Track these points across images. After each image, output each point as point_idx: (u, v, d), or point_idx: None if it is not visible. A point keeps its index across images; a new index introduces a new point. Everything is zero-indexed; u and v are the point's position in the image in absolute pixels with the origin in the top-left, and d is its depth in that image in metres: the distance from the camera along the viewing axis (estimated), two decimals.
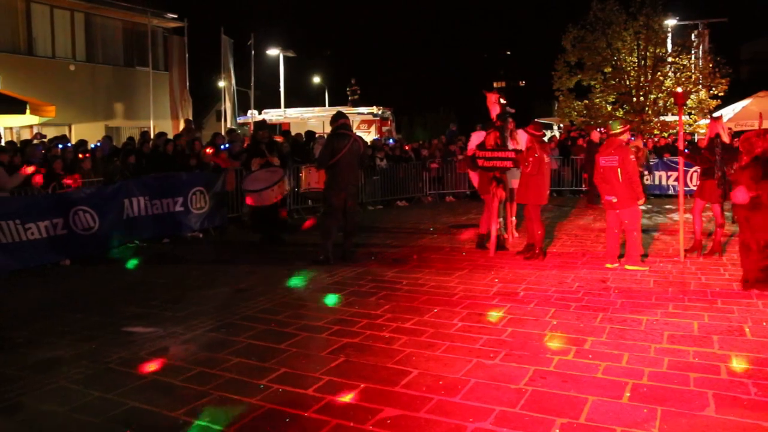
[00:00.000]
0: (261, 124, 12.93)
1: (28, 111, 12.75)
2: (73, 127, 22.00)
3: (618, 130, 8.94)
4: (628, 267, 8.76)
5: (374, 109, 28.05)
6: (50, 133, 17.33)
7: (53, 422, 4.36)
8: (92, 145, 14.75)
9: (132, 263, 9.95)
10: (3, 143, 13.36)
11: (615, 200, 8.74)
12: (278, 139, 19.77)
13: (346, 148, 9.32)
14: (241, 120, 27.47)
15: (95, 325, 6.64)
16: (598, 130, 19.81)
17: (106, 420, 4.33)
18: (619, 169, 8.65)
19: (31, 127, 17.41)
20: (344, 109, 28.93)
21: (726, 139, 9.43)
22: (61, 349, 5.86)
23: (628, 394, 4.58)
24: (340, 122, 9.70)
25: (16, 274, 9.26)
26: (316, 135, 17.86)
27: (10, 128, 17.86)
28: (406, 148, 20.17)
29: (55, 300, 7.90)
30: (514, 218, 11.34)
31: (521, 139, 10.18)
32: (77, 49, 23.38)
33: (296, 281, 8.53)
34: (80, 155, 12.36)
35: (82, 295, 8.10)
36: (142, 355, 5.66)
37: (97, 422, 4.31)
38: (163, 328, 6.42)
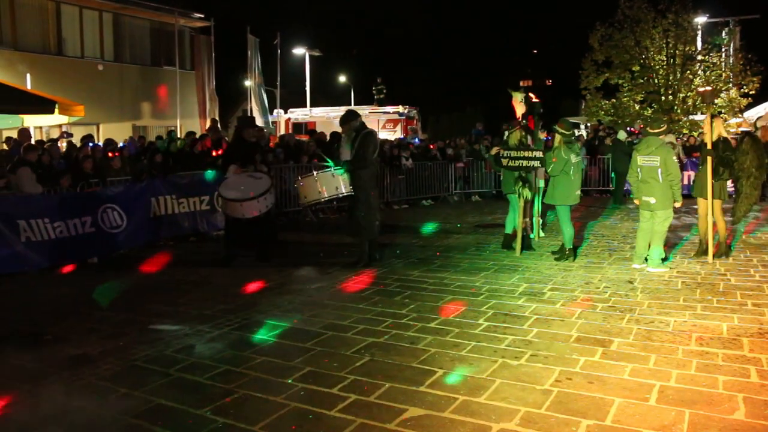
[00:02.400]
0: (248, 121, 10.83)
1: (57, 110, 12.90)
2: (101, 126, 22.29)
3: (658, 129, 8.74)
4: (649, 269, 8.65)
5: (400, 108, 28.08)
6: (79, 132, 17.58)
7: (81, 418, 4.40)
8: (120, 144, 14.92)
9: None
10: (33, 142, 13.54)
11: (653, 201, 8.54)
12: (304, 138, 19.89)
13: (378, 146, 9.22)
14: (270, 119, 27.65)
15: (122, 322, 6.71)
16: (627, 129, 19.64)
17: (133, 416, 4.37)
18: (659, 170, 8.47)
19: (59, 126, 17.65)
20: (370, 108, 29.15)
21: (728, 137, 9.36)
22: (88, 346, 5.93)
23: (655, 396, 4.53)
24: (360, 120, 9.32)
25: (45, 271, 9.39)
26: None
27: (40, 127, 18.12)
28: (431, 147, 20.15)
29: (83, 297, 7.99)
30: (540, 218, 11.26)
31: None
32: (105, 49, 23.71)
33: (322, 280, 8.54)
34: (110, 154, 12.51)
35: (110, 293, 8.18)
36: (169, 352, 5.71)
37: (123, 418, 4.35)
38: (189, 326, 6.47)
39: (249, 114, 27.04)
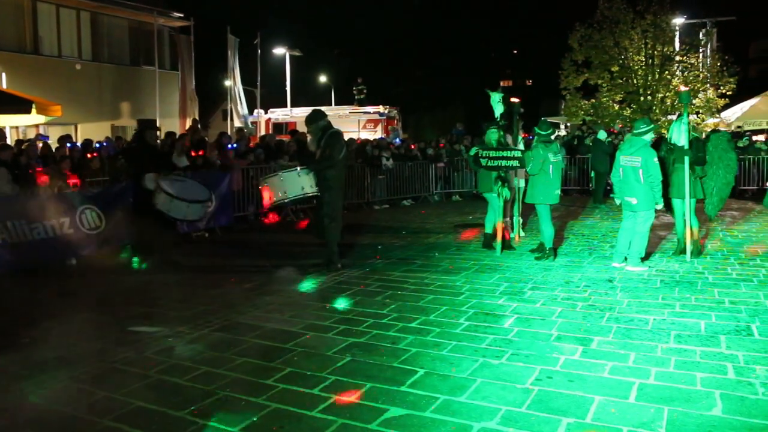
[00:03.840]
0: (149, 124, 10.10)
1: (34, 110, 12.76)
2: (79, 126, 22.07)
3: (636, 130, 8.72)
4: (628, 268, 8.67)
5: (380, 108, 28.06)
6: (56, 132, 17.38)
7: (59, 421, 4.35)
8: (96, 144, 14.79)
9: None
10: (9, 142, 13.39)
11: (635, 202, 8.53)
12: (285, 138, 19.83)
13: (345, 146, 8.98)
14: (250, 119, 27.52)
15: (101, 324, 6.65)
16: (607, 129, 19.80)
17: (112, 419, 4.33)
18: (640, 171, 8.46)
19: (36, 126, 17.45)
20: (351, 108, 29.12)
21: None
22: (66, 348, 5.87)
23: (634, 394, 4.56)
24: (326, 120, 9.07)
25: (22, 273, 9.27)
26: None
27: (16, 127, 17.90)
28: (412, 147, 20.17)
29: (61, 299, 7.91)
30: (520, 217, 11.30)
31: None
32: (83, 49, 23.45)
33: (302, 281, 8.52)
34: (88, 155, 12.40)
35: (89, 295, 8.11)
36: (148, 354, 5.66)
37: (103, 421, 4.31)
38: (168, 328, 6.42)
39: (229, 114, 26.91)
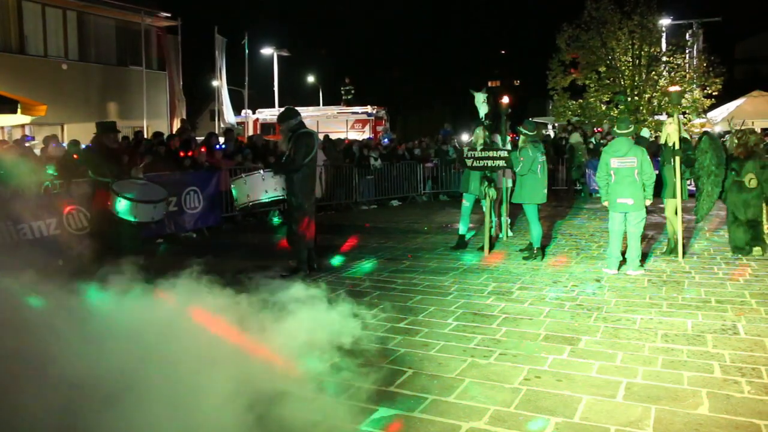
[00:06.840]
0: (108, 126, 9.63)
1: (19, 110, 12.68)
2: (65, 126, 21.91)
3: (625, 130, 8.53)
4: (629, 273, 8.46)
5: (368, 109, 28.04)
6: (42, 132, 17.27)
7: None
8: (83, 146, 14.69)
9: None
10: None
11: (632, 202, 8.36)
12: (273, 138, 19.79)
13: (316, 147, 8.72)
14: (237, 119, 27.46)
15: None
16: (595, 129, 19.87)
17: None
18: (636, 170, 8.34)
19: (22, 126, 17.30)
20: (338, 109, 29.08)
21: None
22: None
23: (622, 393, 4.58)
24: (299, 120, 8.82)
25: (6, 274, 9.18)
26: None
27: (2, 128, 17.77)
28: (399, 148, 20.15)
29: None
30: (508, 218, 11.32)
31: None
32: (69, 48, 23.28)
33: (290, 281, 8.48)
34: (75, 156, 12.31)
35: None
36: None
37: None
38: None
39: (217, 114, 26.82)
